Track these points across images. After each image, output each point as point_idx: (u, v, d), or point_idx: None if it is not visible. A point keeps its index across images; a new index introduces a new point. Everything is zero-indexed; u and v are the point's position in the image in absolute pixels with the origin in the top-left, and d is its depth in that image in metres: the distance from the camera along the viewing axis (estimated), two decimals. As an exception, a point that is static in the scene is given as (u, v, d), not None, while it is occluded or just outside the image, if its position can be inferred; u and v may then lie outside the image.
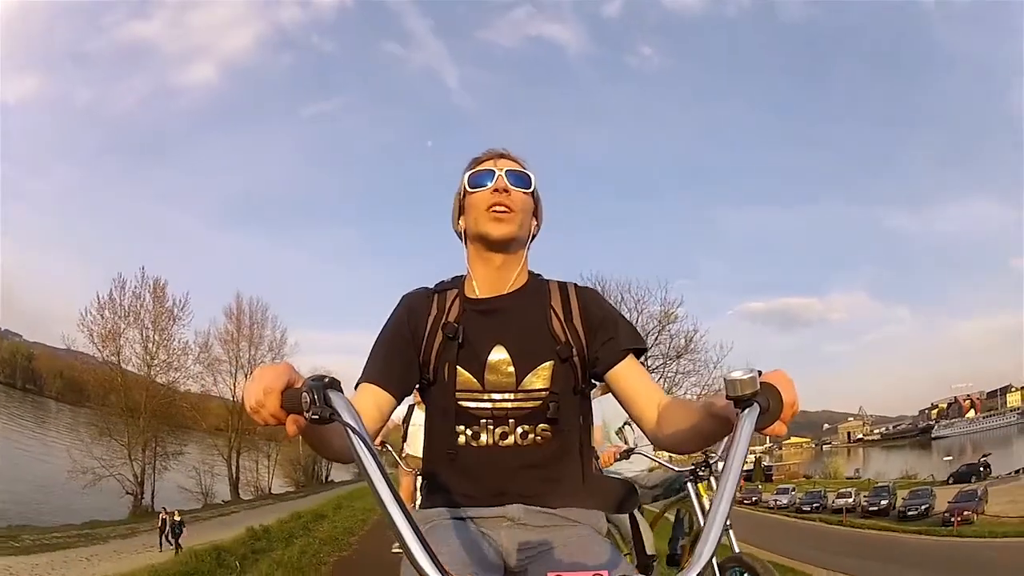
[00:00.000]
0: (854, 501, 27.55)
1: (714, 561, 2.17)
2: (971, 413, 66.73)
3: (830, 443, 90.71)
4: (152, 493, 22.62)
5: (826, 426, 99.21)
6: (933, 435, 66.69)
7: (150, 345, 24.30)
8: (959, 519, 20.05)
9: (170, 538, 14.27)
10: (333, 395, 0.76)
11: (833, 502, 28.20)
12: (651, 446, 2.81)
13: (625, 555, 2.88)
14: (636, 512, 2.90)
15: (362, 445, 0.74)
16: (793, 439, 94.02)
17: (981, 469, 31.75)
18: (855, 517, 25.65)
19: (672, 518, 3.45)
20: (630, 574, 0.84)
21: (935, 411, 73.25)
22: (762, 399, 0.83)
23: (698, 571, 0.72)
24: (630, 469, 3.31)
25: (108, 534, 15.04)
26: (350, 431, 0.74)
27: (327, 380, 0.77)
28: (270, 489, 31.09)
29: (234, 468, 28.75)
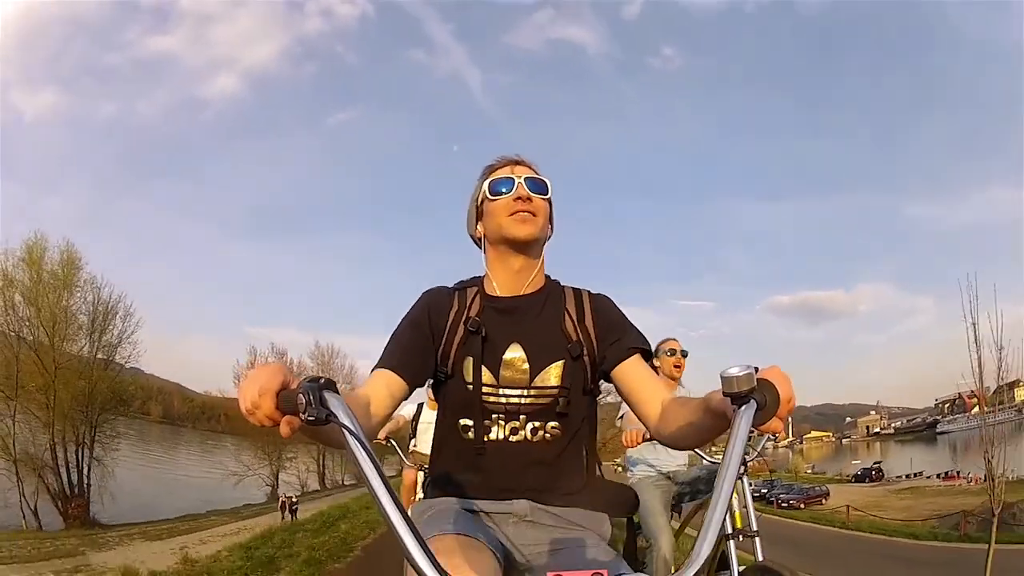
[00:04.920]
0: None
1: (735, 569, 2.17)
2: (976, 409, 69.73)
3: (849, 437, 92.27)
4: (276, 485, 35.83)
5: (848, 419, 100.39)
6: (939, 430, 69.73)
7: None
8: (782, 507, 28.68)
9: (288, 512, 22.13)
10: (329, 396, 0.76)
11: (736, 491, 37.74)
12: None
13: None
14: (633, 517, 2.72)
15: (359, 446, 0.73)
16: (814, 433, 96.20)
17: (873, 472, 41.69)
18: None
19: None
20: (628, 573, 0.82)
21: (946, 405, 75.01)
22: (759, 396, 0.82)
23: (695, 570, 0.71)
24: (669, 464, 3.21)
25: (264, 510, 25.51)
26: (347, 432, 0.74)
27: (323, 381, 0.78)
28: (343, 480, 41.41)
29: (321, 465, 41.86)
